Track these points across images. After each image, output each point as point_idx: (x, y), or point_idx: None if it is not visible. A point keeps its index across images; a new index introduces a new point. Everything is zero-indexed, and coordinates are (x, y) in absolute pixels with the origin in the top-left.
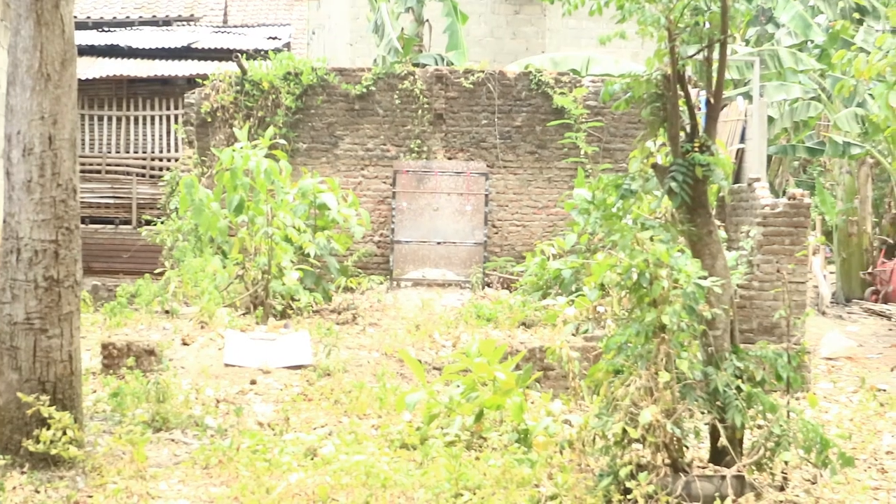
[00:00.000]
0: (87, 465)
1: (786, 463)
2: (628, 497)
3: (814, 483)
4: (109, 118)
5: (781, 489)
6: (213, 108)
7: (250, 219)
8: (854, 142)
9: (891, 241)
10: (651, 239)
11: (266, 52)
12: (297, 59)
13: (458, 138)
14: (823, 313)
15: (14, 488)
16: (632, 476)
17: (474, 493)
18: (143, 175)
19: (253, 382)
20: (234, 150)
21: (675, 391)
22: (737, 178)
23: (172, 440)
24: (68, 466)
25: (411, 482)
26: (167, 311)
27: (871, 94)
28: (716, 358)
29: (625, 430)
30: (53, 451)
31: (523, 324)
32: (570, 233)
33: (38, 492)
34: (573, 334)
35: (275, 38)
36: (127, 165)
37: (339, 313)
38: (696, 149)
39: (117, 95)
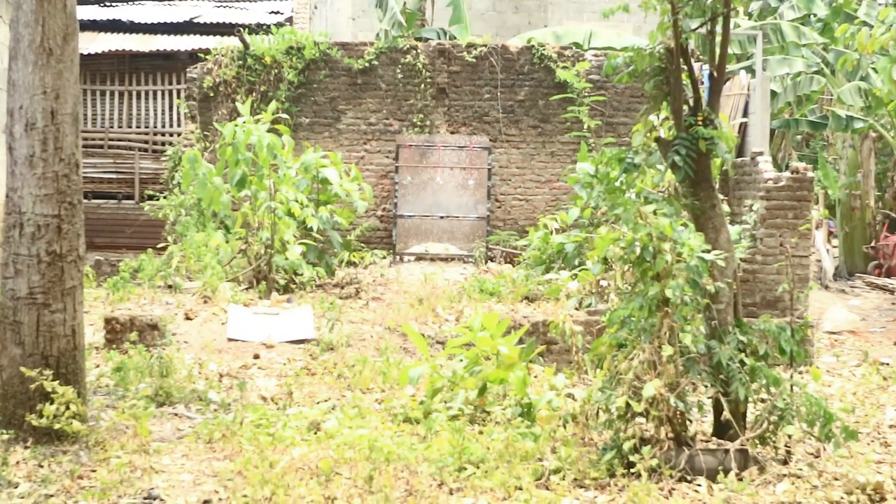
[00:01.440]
0: (90, 439)
1: (789, 437)
2: (632, 471)
3: (817, 457)
4: (112, 93)
5: (785, 463)
6: (216, 83)
7: (253, 193)
8: (857, 116)
9: (894, 215)
10: (654, 213)
11: (268, 26)
12: (299, 33)
13: (460, 112)
14: (826, 287)
15: (17, 463)
16: (635, 450)
17: (478, 467)
18: (146, 150)
19: (256, 357)
20: (236, 125)
21: (678, 365)
22: (740, 152)
23: (175, 415)
24: (71, 441)
25: (415, 456)
26: (170, 286)
27: (874, 68)
28: (719, 332)
29: (628, 404)
30: (57, 426)
31: (526, 298)
32: (573, 207)
33: (41, 466)
34: (576, 308)
35: (277, 13)
36: (129, 140)
37: (342, 288)
38: (700, 122)
39: (119, 70)
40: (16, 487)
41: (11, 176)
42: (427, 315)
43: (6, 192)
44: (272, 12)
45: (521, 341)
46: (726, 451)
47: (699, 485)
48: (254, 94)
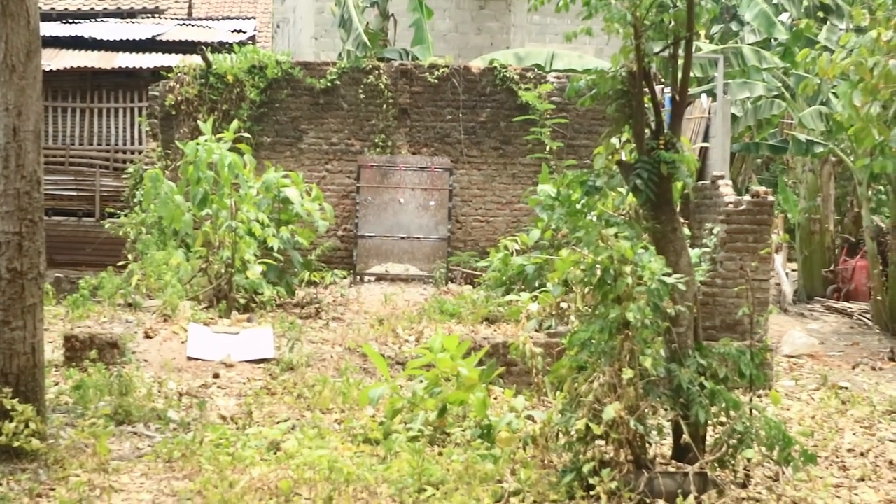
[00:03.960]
0: (49, 457)
1: (748, 460)
2: (591, 493)
3: (776, 480)
4: (73, 110)
5: (743, 486)
6: (178, 101)
7: (214, 212)
8: (817, 140)
9: (853, 239)
10: (615, 235)
11: (231, 45)
12: (261, 52)
13: (422, 133)
14: (785, 311)
15: None
16: (595, 472)
17: (437, 489)
18: (107, 167)
19: (216, 376)
20: (198, 144)
21: (638, 388)
22: (700, 175)
23: (135, 433)
24: (30, 459)
25: (374, 477)
26: (130, 304)
27: (834, 93)
28: (679, 355)
29: (588, 427)
30: (16, 444)
31: (486, 319)
32: (534, 229)
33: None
34: (536, 330)
35: (239, 32)
36: (91, 158)
37: (303, 307)
38: (662, 146)
39: (81, 87)
40: None
41: None
42: (387, 336)
43: None
44: (235, 31)
45: (481, 363)
46: (685, 474)
47: None
48: (216, 112)
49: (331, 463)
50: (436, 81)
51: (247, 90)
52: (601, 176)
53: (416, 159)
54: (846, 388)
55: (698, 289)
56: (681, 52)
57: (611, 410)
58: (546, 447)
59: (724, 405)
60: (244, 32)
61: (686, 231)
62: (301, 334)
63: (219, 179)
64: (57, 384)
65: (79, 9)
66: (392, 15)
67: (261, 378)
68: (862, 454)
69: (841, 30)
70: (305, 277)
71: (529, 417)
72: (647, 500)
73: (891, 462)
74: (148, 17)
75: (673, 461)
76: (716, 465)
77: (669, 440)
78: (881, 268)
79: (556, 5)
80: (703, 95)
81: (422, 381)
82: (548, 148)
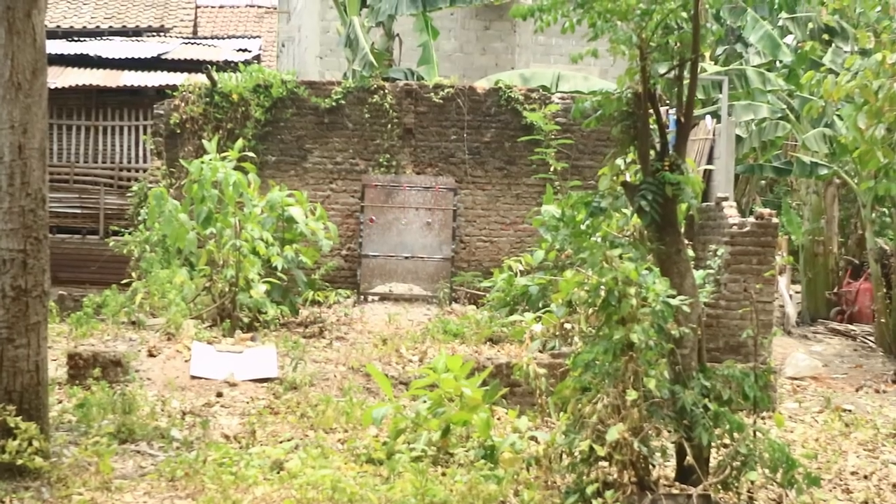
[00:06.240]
0: (52, 475)
1: (752, 482)
2: None
3: (779, 503)
4: (78, 128)
5: None
6: (183, 120)
7: (218, 231)
8: (821, 162)
9: (857, 261)
10: (620, 257)
11: (236, 63)
12: (266, 71)
13: (427, 153)
14: (789, 333)
15: None
16: (598, 494)
17: None
18: (112, 185)
19: (219, 395)
20: (202, 162)
21: (642, 409)
22: (704, 196)
23: (138, 452)
24: (34, 477)
25: (377, 497)
26: (134, 323)
27: (839, 115)
28: (683, 376)
29: (591, 448)
30: (19, 462)
31: (490, 340)
32: (538, 249)
33: (2, 502)
34: (540, 351)
35: (245, 51)
36: (95, 175)
37: (306, 327)
38: (666, 167)
39: (86, 105)
40: None
41: None
42: (391, 355)
43: None
44: (240, 50)
45: (484, 383)
46: (689, 496)
47: None
48: (220, 131)
49: (334, 483)
50: (441, 101)
51: (252, 109)
52: (606, 197)
53: (420, 179)
54: (850, 410)
55: (702, 310)
56: (686, 73)
57: (614, 432)
58: (549, 468)
59: (727, 427)
60: (249, 51)
61: (690, 252)
62: (304, 353)
63: (223, 198)
64: (60, 402)
65: (84, 27)
66: (397, 35)
67: (264, 397)
68: (865, 477)
69: (846, 52)
70: (309, 297)
71: (533, 438)
72: None
73: (894, 485)
74: (153, 36)
75: (676, 483)
76: (719, 487)
77: (673, 462)
78: (885, 290)
79: (562, 27)
80: (708, 117)
81: (425, 402)
82: (552, 169)
